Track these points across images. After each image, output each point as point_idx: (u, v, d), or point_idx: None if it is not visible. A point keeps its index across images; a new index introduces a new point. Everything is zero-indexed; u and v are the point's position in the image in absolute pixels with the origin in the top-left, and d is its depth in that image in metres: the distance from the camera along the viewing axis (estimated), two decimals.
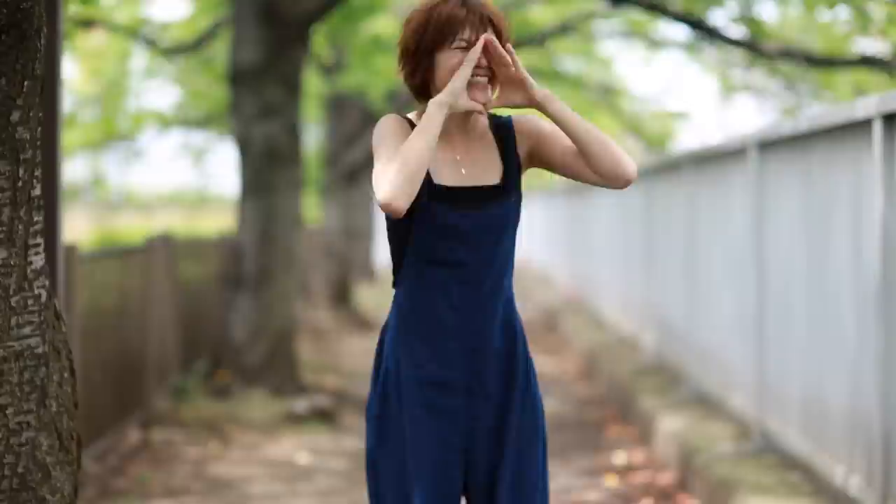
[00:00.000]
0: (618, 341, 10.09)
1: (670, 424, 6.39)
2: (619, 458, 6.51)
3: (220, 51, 13.96)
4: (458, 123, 2.78)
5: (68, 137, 16.32)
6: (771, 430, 5.58)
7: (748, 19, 8.61)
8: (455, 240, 2.73)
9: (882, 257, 4.16)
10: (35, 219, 2.91)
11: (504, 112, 2.91)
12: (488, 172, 2.79)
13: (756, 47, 8.64)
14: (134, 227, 22.98)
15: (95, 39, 15.70)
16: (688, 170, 7.51)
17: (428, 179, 2.71)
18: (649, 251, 8.98)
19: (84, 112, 17.05)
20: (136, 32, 14.03)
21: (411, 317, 2.78)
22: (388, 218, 2.75)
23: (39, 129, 2.93)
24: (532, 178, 32.08)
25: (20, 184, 2.86)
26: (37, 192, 2.92)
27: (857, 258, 4.48)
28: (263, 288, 8.36)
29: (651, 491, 5.72)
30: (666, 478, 5.97)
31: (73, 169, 22.16)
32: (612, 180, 2.76)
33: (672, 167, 8.17)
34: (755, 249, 5.83)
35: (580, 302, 13.83)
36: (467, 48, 2.68)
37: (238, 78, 8.43)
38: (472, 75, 2.69)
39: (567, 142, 2.79)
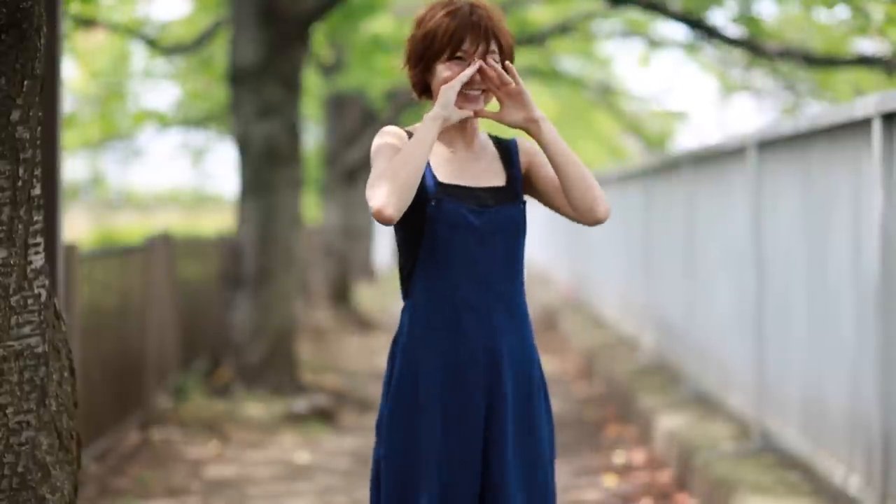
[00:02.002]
0: (617, 341, 10.09)
1: (670, 424, 6.40)
2: (619, 457, 6.51)
3: (219, 50, 13.96)
4: (458, 134, 2.88)
5: (68, 137, 16.31)
6: (770, 430, 5.58)
7: (747, 18, 8.60)
8: (471, 236, 2.79)
9: (881, 257, 4.16)
10: (35, 218, 2.92)
11: (507, 135, 3.01)
12: (492, 177, 2.88)
13: (755, 47, 8.64)
14: (133, 227, 22.97)
15: (95, 39, 15.69)
16: (687, 169, 7.51)
17: (435, 181, 2.81)
18: (649, 251, 8.98)
19: (84, 112, 17.04)
20: (135, 32, 14.02)
21: (426, 321, 2.80)
22: (400, 229, 2.82)
23: (39, 128, 2.94)
24: None
25: (20, 183, 2.87)
26: (37, 191, 2.93)
27: (856, 257, 4.48)
28: (263, 287, 8.36)
29: (650, 490, 5.73)
30: (665, 477, 5.97)
31: (73, 168, 22.16)
32: (585, 214, 2.84)
33: (671, 167, 8.18)
34: (755, 249, 5.83)
35: (580, 301, 13.83)
36: (466, 60, 2.79)
37: (238, 77, 8.43)
38: (465, 89, 2.79)
39: (553, 174, 2.89)
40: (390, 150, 2.77)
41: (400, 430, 2.80)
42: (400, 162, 2.67)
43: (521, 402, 2.84)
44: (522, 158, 2.93)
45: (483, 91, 2.82)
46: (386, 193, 2.63)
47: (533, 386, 2.87)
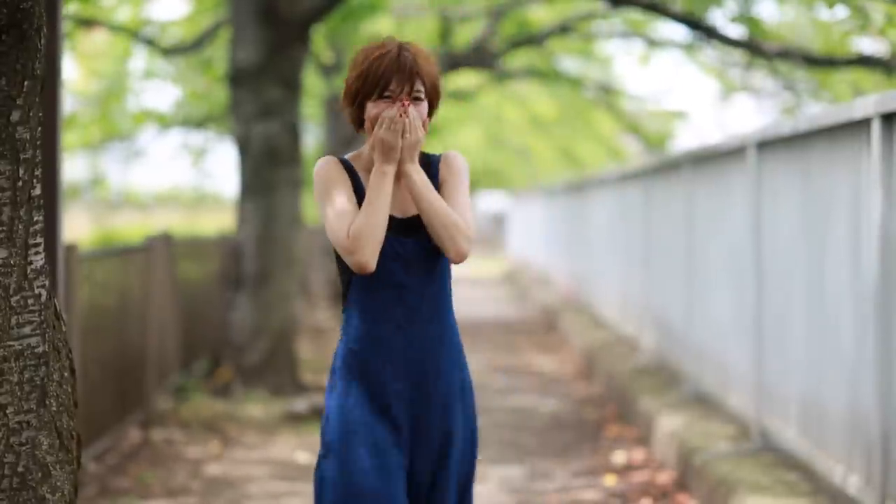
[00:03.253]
0: (617, 341, 10.09)
1: (669, 424, 6.40)
2: (619, 457, 6.52)
3: (219, 51, 13.96)
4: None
5: (68, 138, 16.30)
6: (770, 430, 5.59)
7: (747, 18, 8.61)
8: (396, 263, 3.01)
9: (880, 257, 4.17)
10: (35, 218, 2.92)
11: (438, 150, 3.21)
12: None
13: (755, 47, 8.65)
14: (133, 227, 22.97)
15: (96, 39, 15.69)
16: (687, 169, 7.51)
17: None
18: (648, 251, 8.98)
19: (84, 112, 17.02)
20: (136, 32, 14.01)
21: (360, 337, 3.03)
22: (335, 249, 3.04)
23: (39, 128, 2.94)
24: (530, 178, 32.06)
25: (20, 183, 2.87)
26: (37, 191, 2.93)
27: (855, 258, 4.49)
28: (263, 287, 8.36)
29: (650, 490, 5.73)
30: (665, 477, 5.97)
31: (73, 168, 22.16)
32: (446, 253, 3.03)
33: (671, 167, 8.18)
34: (754, 249, 5.83)
35: (580, 302, 13.84)
36: (393, 99, 3.01)
37: (238, 78, 8.43)
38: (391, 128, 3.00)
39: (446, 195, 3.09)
40: (339, 190, 3.02)
41: (336, 435, 3.01)
42: (374, 221, 2.94)
43: (446, 408, 3.07)
44: (442, 172, 3.11)
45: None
46: (371, 252, 2.94)
47: (454, 395, 3.09)
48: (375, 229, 2.94)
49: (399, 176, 3.05)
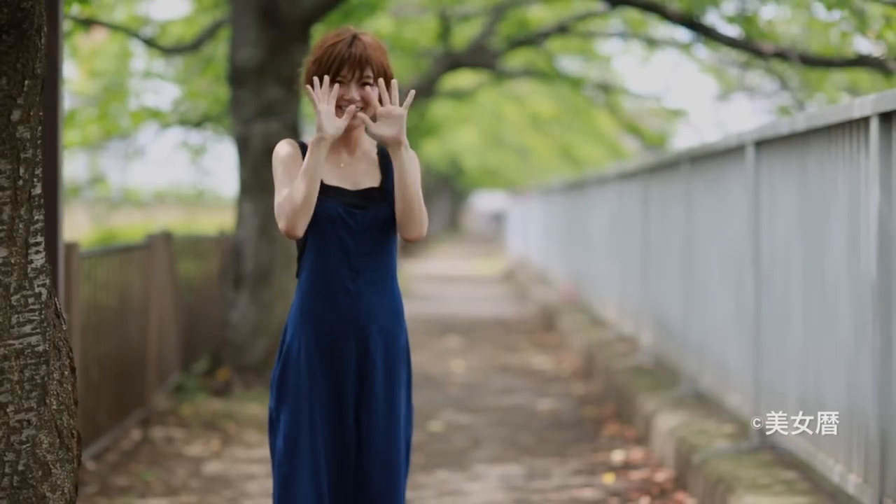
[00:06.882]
0: (616, 339, 10.11)
1: (668, 422, 6.41)
2: (617, 456, 6.53)
3: (219, 50, 13.96)
4: (342, 143, 3.46)
5: (68, 137, 16.29)
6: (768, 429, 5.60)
7: (743, 18, 8.61)
8: (344, 230, 3.37)
9: (878, 255, 4.18)
10: (35, 217, 2.93)
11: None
12: (368, 180, 3.46)
13: (752, 47, 8.65)
14: (133, 225, 22.95)
15: (95, 39, 15.69)
16: (685, 168, 7.52)
17: (322, 183, 3.38)
18: (647, 250, 8.99)
19: (84, 112, 16.99)
20: (136, 32, 14.01)
21: (310, 299, 3.40)
22: None
23: (40, 128, 2.95)
24: (529, 178, 32.04)
25: (21, 182, 2.88)
26: (37, 190, 2.94)
27: (853, 256, 4.50)
28: (263, 286, 8.37)
29: (649, 489, 5.75)
30: (663, 476, 5.99)
31: (73, 167, 22.13)
32: (404, 232, 3.40)
33: (670, 166, 8.19)
34: (752, 248, 5.84)
35: (578, 301, 13.85)
36: (345, 83, 3.37)
37: (237, 77, 8.44)
38: (340, 104, 3.37)
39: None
40: (286, 168, 3.37)
41: (288, 388, 3.39)
42: (300, 187, 3.27)
43: (388, 366, 3.44)
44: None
45: (363, 108, 3.37)
46: (290, 219, 3.27)
47: (398, 356, 3.46)
48: (299, 196, 3.26)
49: (354, 151, 3.45)
